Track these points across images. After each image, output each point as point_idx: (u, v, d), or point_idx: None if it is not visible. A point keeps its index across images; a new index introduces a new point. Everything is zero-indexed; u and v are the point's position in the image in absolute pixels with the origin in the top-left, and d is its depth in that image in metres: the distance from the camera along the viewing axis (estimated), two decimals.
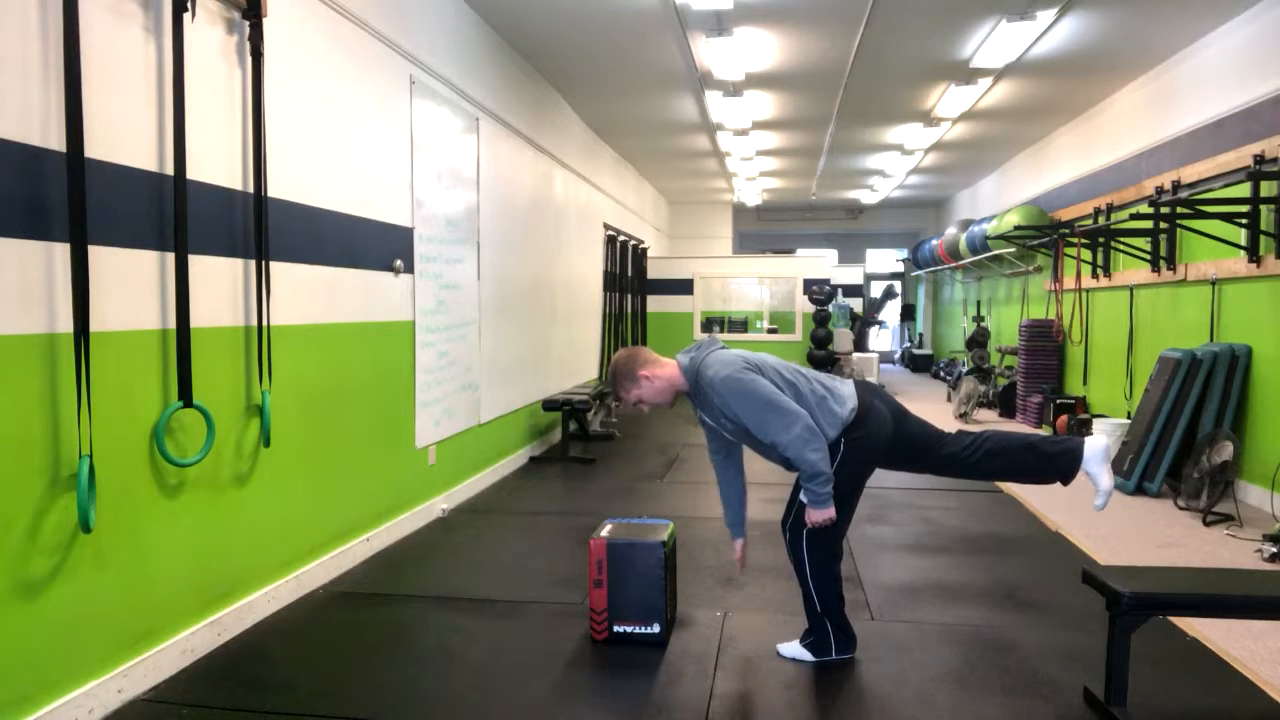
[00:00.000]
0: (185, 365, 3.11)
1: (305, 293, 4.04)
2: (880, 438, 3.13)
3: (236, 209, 3.51)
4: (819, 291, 13.20)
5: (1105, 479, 3.08)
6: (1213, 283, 6.40)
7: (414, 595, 4.04)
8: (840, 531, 3.21)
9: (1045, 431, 9.09)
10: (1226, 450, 5.49)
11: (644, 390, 3.26)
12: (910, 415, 3.25)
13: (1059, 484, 3.20)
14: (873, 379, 12.69)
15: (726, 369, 3.07)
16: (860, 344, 15.28)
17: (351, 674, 3.19)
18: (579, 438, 8.25)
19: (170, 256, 3.10)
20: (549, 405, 7.50)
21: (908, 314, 19.69)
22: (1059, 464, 3.15)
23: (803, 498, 3.11)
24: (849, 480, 3.13)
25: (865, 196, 16.53)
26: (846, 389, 3.18)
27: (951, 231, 13.83)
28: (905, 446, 3.18)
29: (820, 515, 3.01)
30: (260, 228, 3.58)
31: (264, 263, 3.59)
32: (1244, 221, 5.79)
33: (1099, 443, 3.12)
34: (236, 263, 3.51)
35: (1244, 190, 5.84)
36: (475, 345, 6.23)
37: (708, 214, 17.31)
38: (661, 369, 3.27)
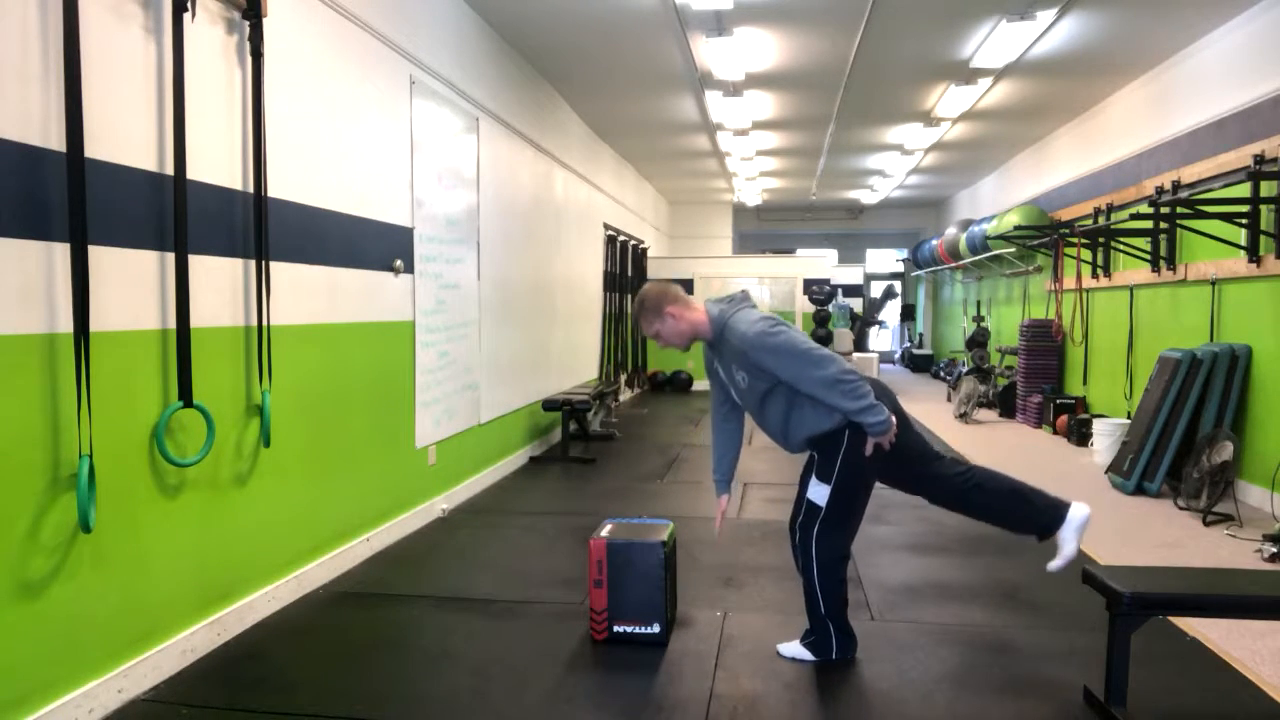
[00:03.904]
0: (185, 365, 3.11)
1: (305, 293, 4.04)
2: None
3: (236, 209, 3.51)
4: (819, 291, 13.21)
5: (1071, 547, 3.19)
6: (1213, 283, 6.40)
7: (414, 595, 4.04)
8: (851, 533, 3.24)
9: (1045, 431, 9.10)
10: (1226, 450, 5.49)
11: (665, 327, 3.28)
12: (912, 426, 3.28)
13: (1034, 539, 3.27)
14: None
15: (759, 325, 3.09)
16: (860, 344, 15.29)
17: (351, 674, 3.19)
18: (579, 438, 8.25)
19: (170, 256, 3.10)
20: (549, 405, 7.50)
21: (908, 314, 19.70)
22: (1041, 519, 3.23)
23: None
24: (855, 475, 3.13)
25: (865, 196, 16.52)
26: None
27: (951, 231, 13.82)
28: (902, 453, 3.18)
29: (885, 439, 3.06)
30: (260, 228, 3.58)
31: (264, 263, 3.59)
32: (1244, 221, 5.79)
33: (1083, 511, 3.20)
34: (236, 263, 3.51)
35: (1244, 190, 5.84)
36: (475, 345, 6.23)
37: (708, 214, 17.29)
38: (689, 310, 3.29)
